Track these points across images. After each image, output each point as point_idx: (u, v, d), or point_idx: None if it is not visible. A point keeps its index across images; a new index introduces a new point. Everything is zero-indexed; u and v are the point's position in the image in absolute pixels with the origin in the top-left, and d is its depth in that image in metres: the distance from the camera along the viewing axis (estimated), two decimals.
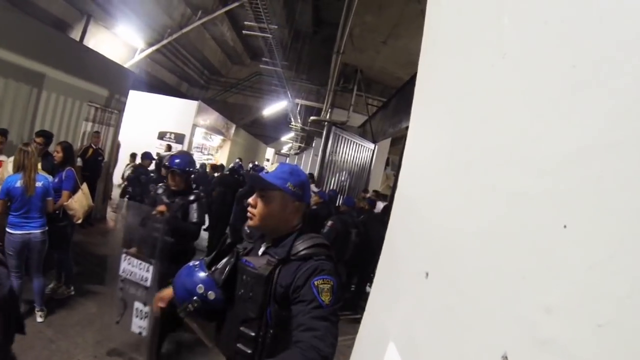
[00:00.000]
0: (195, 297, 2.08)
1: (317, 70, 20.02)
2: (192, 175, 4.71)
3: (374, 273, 1.19)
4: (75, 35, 12.02)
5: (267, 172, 2.15)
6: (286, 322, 1.91)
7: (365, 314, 1.14)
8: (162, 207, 4.35)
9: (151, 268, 4.08)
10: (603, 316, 0.39)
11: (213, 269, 2.22)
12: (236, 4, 13.22)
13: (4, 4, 7.25)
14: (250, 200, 2.12)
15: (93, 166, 9.10)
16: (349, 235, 7.07)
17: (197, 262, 2.25)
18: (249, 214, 2.13)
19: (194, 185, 5.42)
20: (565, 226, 0.46)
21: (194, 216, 4.50)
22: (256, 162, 18.90)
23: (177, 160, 4.52)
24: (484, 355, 0.56)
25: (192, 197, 4.55)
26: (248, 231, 2.37)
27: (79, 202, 5.43)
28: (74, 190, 5.45)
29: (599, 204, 0.43)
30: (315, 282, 1.87)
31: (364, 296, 7.03)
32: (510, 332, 0.52)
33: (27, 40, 7.35)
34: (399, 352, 0.82)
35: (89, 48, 10.30)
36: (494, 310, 0.56)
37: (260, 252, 2.16)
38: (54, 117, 8.27)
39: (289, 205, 2.12)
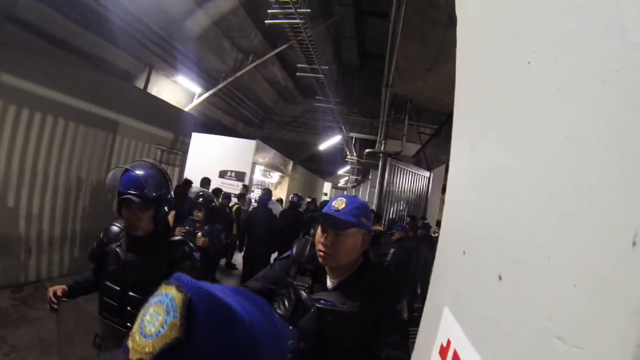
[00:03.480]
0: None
1: (368, 102, 20.27)
2: (166, 211, 2.73)
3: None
4: (140, 84, 13.05)
5: (337, 210, 2.06)
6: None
7: (429, 291, 1.41)
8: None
9: None
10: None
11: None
12: (285, 46, 13.75)
13: (81, 62, 8.19)
14: (323, 240, 2.05)
15: None
16: (410, 259, 7.24)
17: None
18: (321, 254, 2.07)
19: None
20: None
21: None
22: (317, 198, 18.87)
23: (136, 174, 2.54)
24: (488, 278, 0.85)
25: (179, 251, 2.70)
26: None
27: None
28: None
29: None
30: (398, 307, 2.05)
31: None
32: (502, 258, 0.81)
33: (102, 92, 8.23)
34: (451, 312, 1.08)
35: (154, 96, 11.52)
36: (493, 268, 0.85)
37: (329, 286, 2.14)
38: (127, 160, 9.11)
39: (361, 238, 2.12)
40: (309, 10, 9.73)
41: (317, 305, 2.03)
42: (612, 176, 0.53)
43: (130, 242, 2.65)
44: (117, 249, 2.68)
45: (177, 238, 2.82)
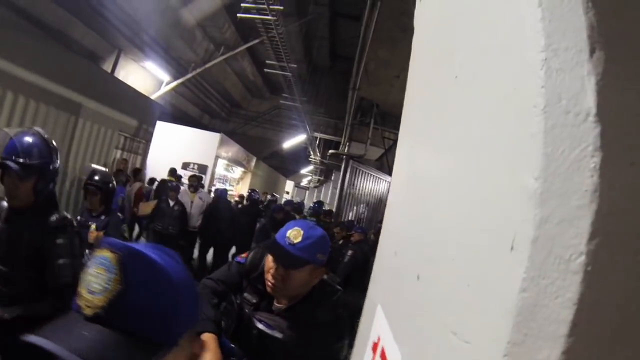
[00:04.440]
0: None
1: (334, 103, 20.35)
2: (49, 182, 2.58)
3: None
4: (107, 67, 12.63)
5: (292, 244, 1.92)
6: None
7: (368, 290, 1.45)
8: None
9: None
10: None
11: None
12: (256, 40, 13.63)
13: (45, 37, 7.86)
14: (273, 272, 1.94)
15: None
16: (367, 262, 7.27)
17: None
18: (269, 285, 1.96)
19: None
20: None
21: (60, 271, 2.43)
22: (285, 200, 18.62)
23: (19, 141, 2.46)
24: (409, 277, 0.89)
25: (52, 222, 2.50)
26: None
27: None
28: None
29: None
30: (337, 346, 1.99)
31: None
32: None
33: (67, 71, 7.90)
34: (382, 310, 1.12)
35: (120, 80, 11.11)
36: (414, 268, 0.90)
37: (274, 309, 2.06)
38: (88, 144, 8.89)
39: (314, 273, 2.00)
40: (281, 7, 9.70)
41: (258, 326, 1.99)
42: (502, 185, 0.58)
43: (10, 212, 2.50)
44: None
45: (59, 214, 2.59)
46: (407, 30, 7.67)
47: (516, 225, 0.52)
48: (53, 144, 2.62)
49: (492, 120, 0.64)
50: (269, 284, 1.96)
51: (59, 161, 2.66)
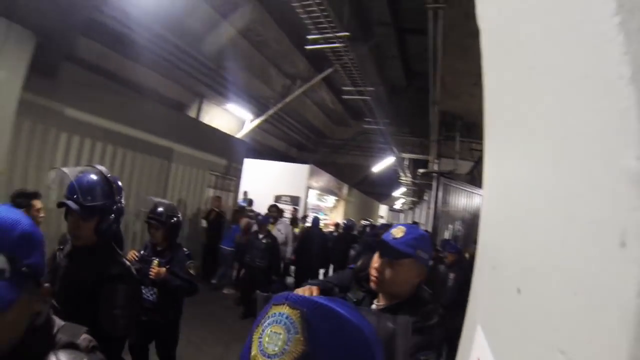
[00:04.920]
0: None
1: (417, 121, 19.94)
2: (112, 223, 2.54)
3: None
4: (192, 113, 13.56)
5: (394, 238, 2.08)
6: None
7: (467, 310, 1.38)
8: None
9: None
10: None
11: None
12: (330, 70, 13.66)
13: (135, 95, 8.84)
14: (376, 265, 2.08)
15: (217, 228, 10.33)
16: (469, 282, 7.05)
17: None
18: (372, 278, 2.09)
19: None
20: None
21: (113, 322, 2.35)
22: (380, 224, 18.63)
23: (80, 181, 2.42)
24: (509, 292, 0.81)
25: (114, 268, 2.47)
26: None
27: None
28: None
29: None
30: (421, 359, 1.90)
31: None
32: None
33: (157, 122, 8.83)
34: (482, 330, 1.05)
35: (206, 124, 12.19)
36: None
37: (373, 307, 2.16)
38: (182, 186, 9.86)
39: (415, 271, 2.10)
40: (347, 33, 9.69)
41: None
42: (599, 174, 0.50)
43: (73, 250, 2.49)
44: (57, 252, 2.55)
45: (121, 260, 2.57)
46: (475, 36, 7.38)
47: (624, 217, 0.43)
48: (117, 184, 2.57)
49: (576, 105, 0.56)
50: (372, 278, 2.10)
51: (123, 201, 2.62)
